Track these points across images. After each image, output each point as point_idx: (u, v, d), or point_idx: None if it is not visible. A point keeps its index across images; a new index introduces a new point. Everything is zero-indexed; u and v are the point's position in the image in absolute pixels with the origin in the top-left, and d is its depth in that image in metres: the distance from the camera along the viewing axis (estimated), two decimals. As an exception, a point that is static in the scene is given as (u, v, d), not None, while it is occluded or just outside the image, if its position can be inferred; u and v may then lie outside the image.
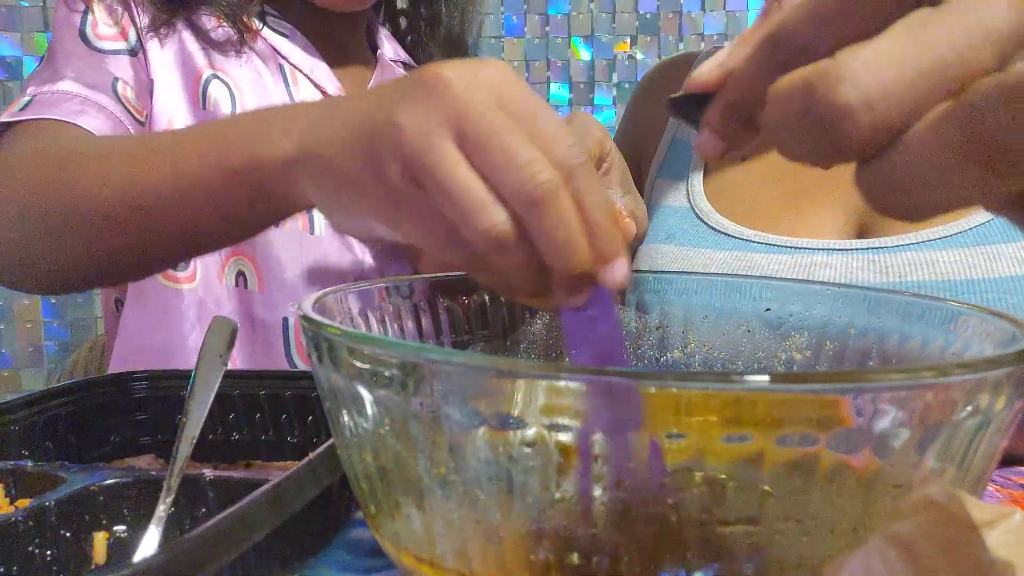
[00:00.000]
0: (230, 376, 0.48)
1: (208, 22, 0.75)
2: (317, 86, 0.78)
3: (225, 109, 0.73)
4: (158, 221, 0.48)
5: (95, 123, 0.65)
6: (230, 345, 0.46)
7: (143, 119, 0.71)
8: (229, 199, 0.45)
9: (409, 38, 0.91)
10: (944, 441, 0.25)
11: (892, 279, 0.63)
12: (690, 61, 0.87)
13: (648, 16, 2.15)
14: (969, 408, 0.24)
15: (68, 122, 0.64)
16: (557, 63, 2.14)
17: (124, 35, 0.72)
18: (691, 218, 0.75)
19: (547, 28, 2.09)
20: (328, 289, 0.38)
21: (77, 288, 0.57)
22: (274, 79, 0.77)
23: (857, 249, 0.65)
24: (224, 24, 0.74)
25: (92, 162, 0.50)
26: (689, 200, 0.77)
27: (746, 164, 0.75)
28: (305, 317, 0.30)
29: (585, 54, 2.18)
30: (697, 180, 0.78)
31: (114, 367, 0.78)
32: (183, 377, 0.48)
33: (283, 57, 0.78)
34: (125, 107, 0.69)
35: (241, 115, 0.47)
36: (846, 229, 0.69)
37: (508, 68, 0.34)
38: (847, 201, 0.69)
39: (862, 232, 0.68)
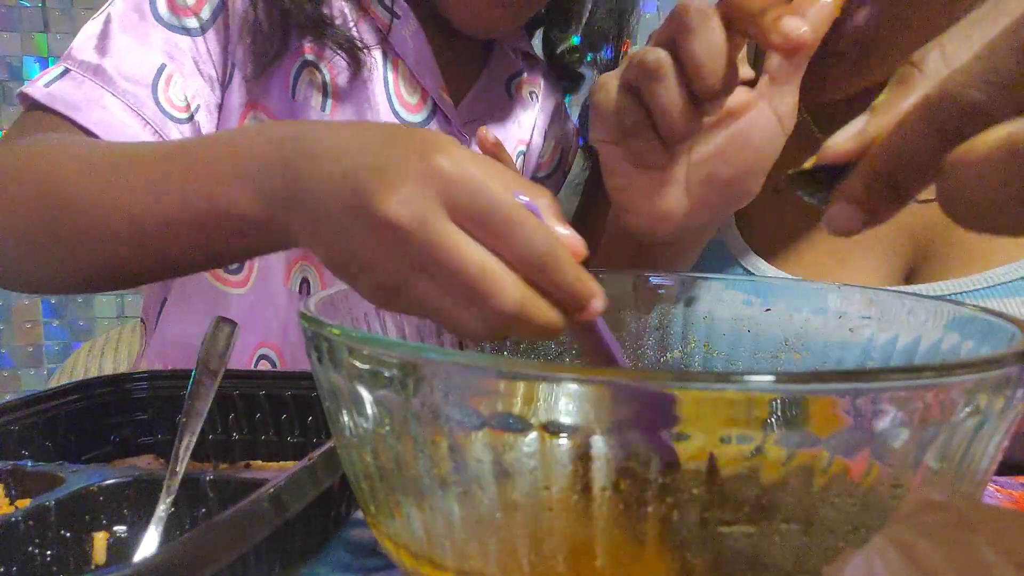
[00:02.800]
0: (230, 376, 0.48)
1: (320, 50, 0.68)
2: (418, 80, 0.73)
3: (315, 103, 0.68)
4: (139, 254, 0.46)
5: (116, 135, 0.59)
6: (230, 345, 0.46)
7: (186, 115, 0.64)
8: (217, 240, 0.42)
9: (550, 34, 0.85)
10: (944, 441, 0.25)
11: None
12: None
13: (648, 16, 2.15)
14: (969, 408, 0.24)
15: (87, 130, 0.59)
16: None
17: (197, 8, 0.65)
18: (722, 254, 0.67)
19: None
20: (328, 289, 0.38)
21: (66, 293, 0.56)
22: (371, 70, 0.70)
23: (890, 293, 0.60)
24: (340, 54, 0.68)
25: (73, 190, 0.47)
26: (719, 231, 0.68)
27: (781, 195, 0.65)
28: (305, 317, 0.30)
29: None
30: (729, 225, 0.69)
31: (147, 362, 0.76)
32: (183, 377, 0.48)
33: (388, 43, 0.71)
34: (161, 105, 0.62)
35: (216, 148, 0.42)
36: (893, 273, 0.63)
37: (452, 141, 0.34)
38: (895, 242, 0.62)
39: (910, 277, 0.62)
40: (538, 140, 0.83)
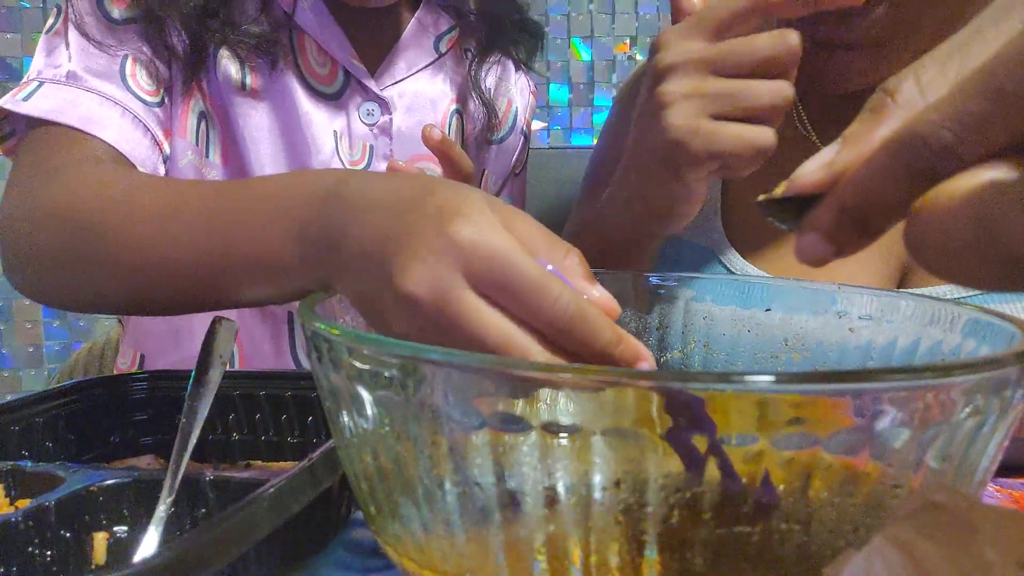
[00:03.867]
0: (230, 376, 0.48)
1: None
2: (326, 52, 0.74)
3: (235, 76, 0.70)
4: (183, 298, 0.48)
5: (111, 131, 0.63)
6: (230, 345, 0.46)
7: (158, 98, 0.68)
8: (262, 287, 0.44)
9: None
10: (944, 441, 0.25)
11: None
12: None
13: (648, 17, 2.15)
14: (969, 408, 0.24)
15: (84, 132, 0.62)
16: (557, 63, 2.14)
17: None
18: (712, 262, 0.67)
19: (547, 28, 2.09)
20: (328, 290, 0.38)
21: (90, 312, 0.59)
22: (284, 51, 0.72)
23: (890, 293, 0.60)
24: (252, 52, 0.70)
25: (117, 238, 0.49)
26: (708, 237, 0.68)
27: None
28: (305, 316, 0.30)
29: (585, 55, 2.18)
30: (714, 214, 0.69)
31: (124, 349, 0.79)
32: (183, 377, 0.48)
33: (293, 22, 0.73)
34: (135, 94, 0.66)
35: (259, 202, 0.44)
36: (887, 275, 0.62)
37: (477, 196, 0.34)
38: (889, 244, 0.61)
39: (903, 280, 0.62)
40: (475, 105, 0.82)
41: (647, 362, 0.33)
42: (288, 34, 0.73)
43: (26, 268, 0.57)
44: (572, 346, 0.32)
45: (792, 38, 0.43)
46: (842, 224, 0.24)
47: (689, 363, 0.47)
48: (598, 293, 0.33)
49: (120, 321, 0.84)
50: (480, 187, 0.80)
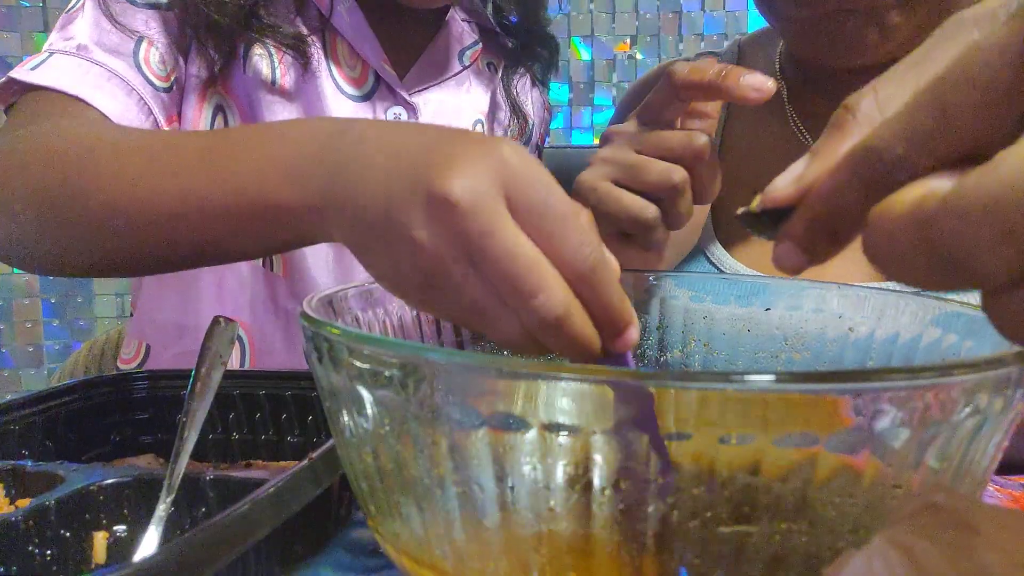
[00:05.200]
0: (230, 376, 0.48)
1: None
2: (358, 54, 0.75)
3: (265, 72, 0.71)
4: (171, 238, 0.47)
5: (111, 103, 0.63)
6: (230, 345, 0.46)
7: (168, 84, 0.68)
8: (249, 229, 0.43)
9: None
10: (944, 441, 0.25)
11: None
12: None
13: (648, 16, 2.15)
14: (969, 408, 0.24)
15: (84, 101, 0.62)
16: (559, 60, 2.14)
17: None
18: (696, 255, 0.69)
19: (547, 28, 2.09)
20: (329, 289, 0.38)
21: (77, 275, 0.57)
22: (315, 48, 0.73)
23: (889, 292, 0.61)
24: (287, 52, 0.71)
25: (106, 171, 0.48)
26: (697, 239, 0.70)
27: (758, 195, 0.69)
28: (305, 316, 0.30)
29: (585, 54, 2.18)
30: (704, 215, 0.71)
31: (129, 340, 0.80)
32: (183, 377, 0.48)
33: (328, 23, 0.74)
34: (145, 75, 0.66)
35: (257, 137, 0.43)
36: (878, 275, 0.64)
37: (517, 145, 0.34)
38: None
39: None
40: (505, 114, 0.85)
41: (635, 329, 0.32)
42: (322, 35, 0.74)
43: (3, 219, 0.54)
44: (584, 292, 0.31)
45: (698, 141, 0.48)
46: (813, 233, 0.26)
47: (689, 363, 0.47)
48: (608, 253, 0.33)
49: (131, 312, 0.84)
50: None
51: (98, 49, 0.65)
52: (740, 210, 0.29)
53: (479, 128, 0.82)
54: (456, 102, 0.80)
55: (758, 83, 0.42)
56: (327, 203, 0.37)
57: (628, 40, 2.17)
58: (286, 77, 0.72)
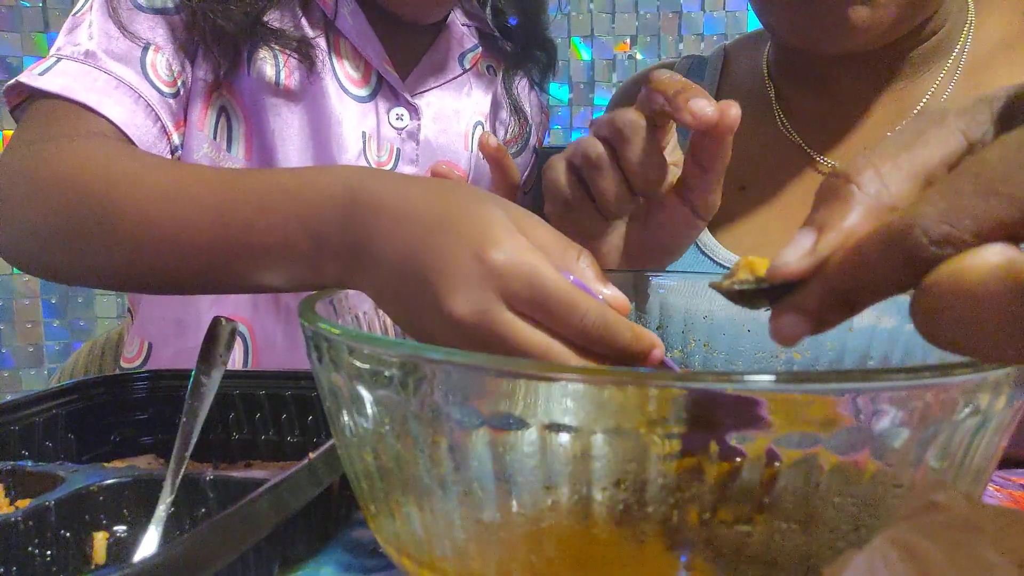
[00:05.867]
0: (230, 376, 0.48)
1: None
2: (362, 56, 0.75)
3: (269, 74, 0.71)
4: (185, 271, 0.48)
5: (119, 111, 0.64)
6: (230, 345, 0.46)
7: (175, 89, 0.69)
8: (276, 280, 0.45)
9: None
10: (944, 441, 0.25)
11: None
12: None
13: (648, 16, 2.15)
14: (969, 408, 0.24)
15: (92, 109, 0.62)
16: (557, 63, 2.14)
17: None
18: (693, 252, 0.70)
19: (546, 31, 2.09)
20: (329, 288, 0.38)
21: (87, 287, 0.58)
22: (318, 51, 0.74)
23: None
24: (292, 56, 0.72)
25: (131, 210, 0.49)
26: None
27: (746, 193, 0.70)
28: (305, 316, 0.30)
29: (585, 54, 2.18)
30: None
31: (131, 338, 0.80)
32: (183, 377, 0.48)
33: (332, 25, 0.75)
34: (152, 82, 0.67)
35: (278, 194, 0.45)
36: None
37: (500, 206, 0.37)
38: None
39: None
40: (507, 113, 0.86)
41: (659, 348, 0.37)
42: (326, 37, 0.75)
43: (18, 234, 0.56)
44: (598, 349, 0.36)
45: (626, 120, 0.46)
46: (826, 304, 0.25)
47: (689, 363, 0.47)
48: (610, 292, 0.37)
49: (129, 311, 0.84)
50: None
51: (106, 56, 0.65)
52: (724, 285, 0.28)
53: (479, 129, 0.82)
54: (457, 104, 0.81)
55: (698, 108, 0.41)
56: (349, 275, 0.41)
57: (628, 40, 2.17)
58: (290, 79, 0.72)
